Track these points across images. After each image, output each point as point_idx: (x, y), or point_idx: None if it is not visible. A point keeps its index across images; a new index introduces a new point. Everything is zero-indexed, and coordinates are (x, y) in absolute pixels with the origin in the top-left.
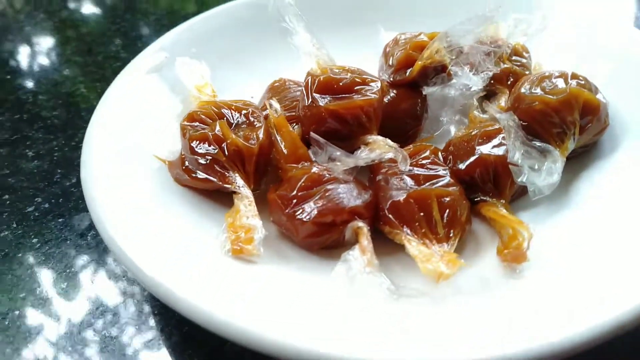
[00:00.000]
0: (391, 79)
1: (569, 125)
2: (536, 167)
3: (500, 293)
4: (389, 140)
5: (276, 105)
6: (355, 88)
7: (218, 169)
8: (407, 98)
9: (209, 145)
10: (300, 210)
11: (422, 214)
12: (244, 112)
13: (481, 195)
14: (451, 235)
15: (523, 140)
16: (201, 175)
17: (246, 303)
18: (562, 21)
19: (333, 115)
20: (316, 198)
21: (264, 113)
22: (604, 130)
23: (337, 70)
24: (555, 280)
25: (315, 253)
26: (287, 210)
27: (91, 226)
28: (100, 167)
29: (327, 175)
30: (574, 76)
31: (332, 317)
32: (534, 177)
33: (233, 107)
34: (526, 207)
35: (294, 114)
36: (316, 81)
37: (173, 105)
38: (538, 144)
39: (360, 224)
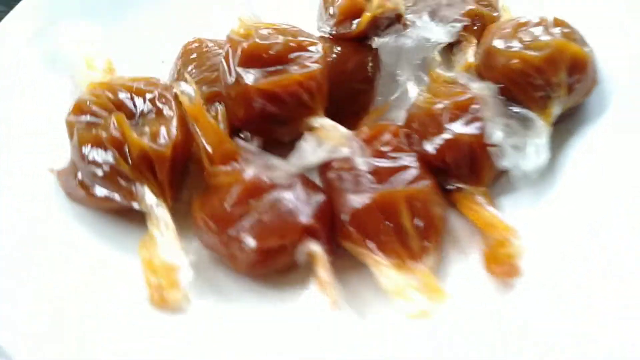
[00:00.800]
0: (333, 32)
1: (554, 87)
2: (519, 144)
3: (493, 314)
4: (339, 126)
5: (188, 88)
6: (290, 56)
7: (121, 181)
8: (354, 55)
9: (105, 150)
10: (237, 234)
11: (389, 223)
12: (148, 96)
13: (455, 182)
14: (427, 245)
15: (502, 111)
16: (100, 192)
17: None
18: None
19: (265, 95)
20: (255, 216)
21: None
22: (592, 89)
23: (265, 32)
24: (552, 292)
25: (259, 279)
26: (221, 237)
27: None
28: None
29: (265, 180)
30: (557, 22)
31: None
32: (517, 158)
33: (134, 90)
34: (506, 192)
35: (216, 89)
36: (239, 50)
37: (58, 87)
38: (517, 109)
39: (315, 247)
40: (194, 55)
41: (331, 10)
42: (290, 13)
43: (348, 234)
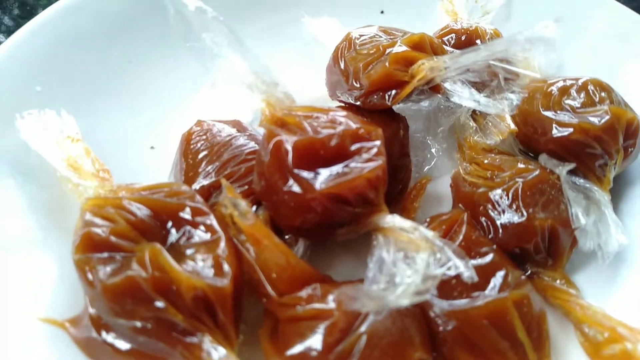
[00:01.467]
0: (358, 102)
1: (613, 154)
2: (595, 220)
3: None
4: (422, 228)
5: (242, 203)
6: (351, 149)
7: (175, 334)
8: (387, 128)
9: (146, 299)
10: None
11: (503, 339)
12: (181, 213)
13: (531, 267)
14: (544, 357)
15: (572, 187)
16: (145, 347)
17: None
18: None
19: (331, 200)
20: (355, 357)
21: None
22: (639, 151)
23: (310, 120)
24: None
25: None
26: None
27: None
28: None
29: (359, 314)
30: (598, 85)
31: None
32: (600, 238)
33: (156, 205)
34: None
35: (246, 187)
36: (290, 147)
37: (33, 203)
38: (576, 181)
39: None
40: (203, 145)
41: (357, 80)
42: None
43: (457, 355)
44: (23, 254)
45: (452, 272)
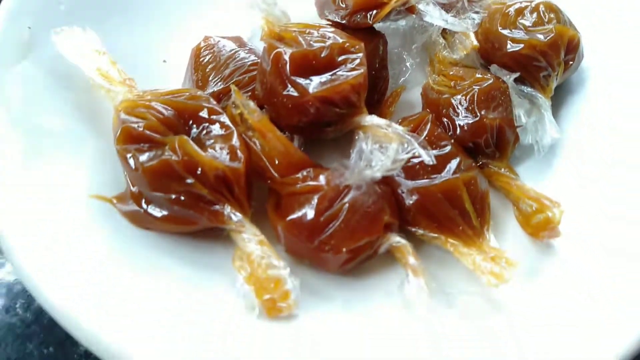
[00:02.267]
0: (344, 21)
1: (555, 66)
2: (534, 120)
3: (545, 280)
4: (394, 125)
5: (251, 103)
6: (338, 60)
7: (202, 204)
8: (368, 44)
9: (179, 178)
10: (329, 238)
11: (455, 210)
12: (200, 113)
13: (482, 159)
14: (485, 224)
15: (518, 93)
16: (177, 214)
17: None
18: None
19: (322, 101)
20: (341, 220)
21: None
22: (579, 65)
23: (305, 35)
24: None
25: (346, 275)
26: (313, 242)
27: None
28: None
29: (340, 185)
30: (549, 7)
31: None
32: (537, 135)
33: (178, 106)
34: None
35: (249, 93)
36: (288, 59)
37: (70, 103)
38: (523, 88)
39: (401, 240)
40: (210, 58)
41: (343, 2)
42: None
43: (418, 221)
44: (67, 147)
45: (416, 159)
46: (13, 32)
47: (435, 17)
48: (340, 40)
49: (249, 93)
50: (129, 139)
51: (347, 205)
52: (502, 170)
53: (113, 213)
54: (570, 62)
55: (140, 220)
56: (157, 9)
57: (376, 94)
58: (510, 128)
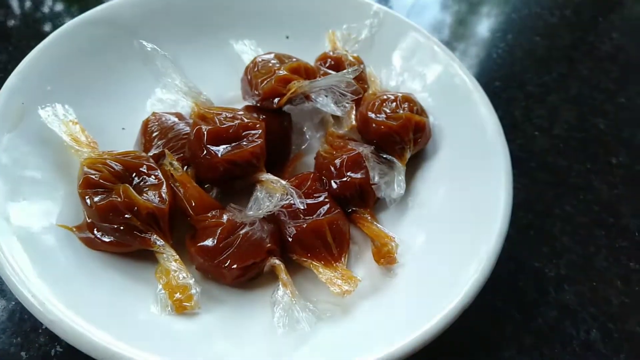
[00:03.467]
0: (258, 104)
1: (407, 142)
2: (388, 181)
3: (384, 289)
4: (281, 181)
5: (175, 163)
6: (242, 134)
7: (136, 233)
8: (275, 120)
9: (119, 214)
10: (225, 259)
11: (319, 241)
12: (140, 169)
13: (352, 207)
14: (342, 252)
15: (376, 159)
16: (117, 239)
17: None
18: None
19: (228, 163)
20: (235, 246)
21: (153, 154)
22: (427, 141)
23: (220, 116)
24: (416, 271)
25: (240, 287)
26: (213, 261)
27: None
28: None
29: (237, 221)
30: (405, 98)
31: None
32: (388, 191)
33: (126, 164)
34: (382, 210)
35: (182, 154)
36: (205, 133)
37: (49, 159)
38: (385, 156)
39: (277, 261)
40: (155, 128)
41: (257, 90)
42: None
43: (294, 249)
44: (43, 191)
45: (295, 205)
46: (11, 106)
47: (323, 104)
48: (245, 120)
49: (182, 154)
50: (88, 186)
51: (240, 235)
52: (365, 215)
53: (73, 238)
54: (419, 139)
55: (92, 244)
56: (120, 90)
57: (281, 157)
58: (368, 185)
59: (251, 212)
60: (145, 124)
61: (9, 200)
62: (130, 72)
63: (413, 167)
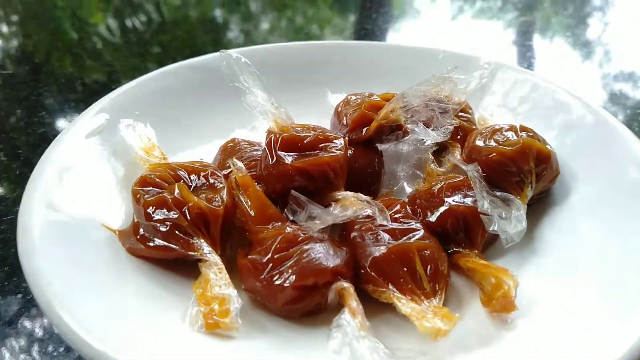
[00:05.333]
0: (346, 138)
1: (526, 173)
2: (504, 215)
3: (498, 346)
4: (361, 195)
5: (239, 163)
6: (320, 145)
7: (180, 235)
8: (364, 155)
9: (168, 211)
10: (278, 275)
11: (405, 269)
12: (202, 173)
13: (453, 247)
14: (437, 289)
15: (487, 190)
16: (160, 243)
17: None
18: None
19: (300, 172)
20: (293, 260)
21: (224, 173)
22: (556, 177)
23: (298, 129)
24: (547, 328)
25: (296, 321)
26: (262, 276)
27: (22, 312)
28: (41, 241)
29: (301, 234)
30: (523, 128)
31: None
32: (504, 225)
33: (190, 169)
34: (496, 256)
35: (253, 173)
36: (279, 139)
37: (118, 170)
38: (499, 193)
39: (345, 284)
40: (232, 150)
41: (344, 121)
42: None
43: (371, 278)
44: (107, 194)
45: (382, 230)
46: (94, 117)
47: (421, 132)
48: (327, 133)
49: (254, 172)
50: (144, 184)
51: (302, 250)
52: (471, 255)
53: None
54: (543, 173)
55: (133, 249)
56: (204, 125)
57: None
58: (476, 217)
59: (317, 222)
60: (224, 147)
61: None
62: (216, 111)
63: (536, 212)
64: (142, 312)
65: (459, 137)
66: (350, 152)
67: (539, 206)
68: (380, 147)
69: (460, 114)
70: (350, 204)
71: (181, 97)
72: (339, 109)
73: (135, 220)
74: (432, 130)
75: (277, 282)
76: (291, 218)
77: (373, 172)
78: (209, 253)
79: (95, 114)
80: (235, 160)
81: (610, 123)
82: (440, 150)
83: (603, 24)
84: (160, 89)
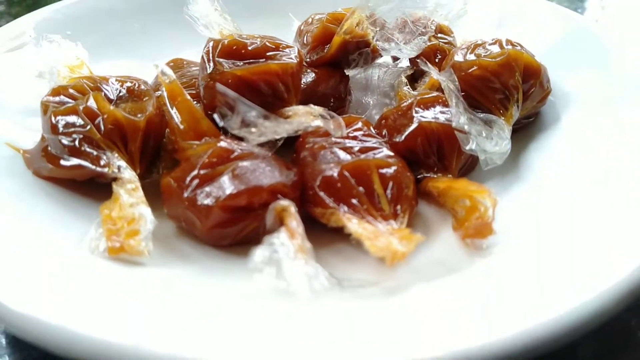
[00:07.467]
0: (308, 59)
1: (512, 89)
2: (484, 134)
3: (466, 275)
4: (314, 106)
5: (166, 68)
6: (268, 54)
7: (90, 149)
8: (327, 78)
9: (79, 122)
10: (204, 193)
11: (361, 188)
12: (127, 84)
13: (424, 172)
14: (399, 212)
15: (465, 107)
16: (68, 161)
17: (132, 323)
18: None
19: (243, 82)
20: (225, 177)
21: (154, 87)
22: (546, 97)
23: (244, 36)
24: (525, 258)
25: (228, 250)
26: (185, 194)
27: None
28: None
29: (238, 149)
30: (509, 42)
31: (253, 331)
32: (483, 143)
33: (114, 79)
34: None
35: (193, 91)
36: (219, 45)
37: (39, 89)
38: (481, 115)
39: (286, 202)
40: (173, 69)
41: (305, 39)
42: None
43: (319, 200)
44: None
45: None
46: (15, 31)
47: (393, 48)
48: (276, 41)
49: (194, 90)
50: (55, 94)
51: (234, 167)
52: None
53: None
54: (531, 90)
55: (39, 170)
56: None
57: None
58: (450, 135)
59: (256, 130)
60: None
61: None
62: (160, 36)
63: (523, 137)
64: (37, 235)
65: (437, 60)
66: (311, 75)
67: (527, 131)
68: (348, 72)
69: (439, 35)
70: (298, 116)
71: (123, 20)
72: (302, 28)
73: (43, 136)
74: (403, 44)
75: (203, 202)
76: (221, 124)
77: (337, 97)
78: (123, 168)
79: (19, 30)
80: (162, 66)
81: (605, 40)
82: (417, 78)
83: None
84: (95, 9)
